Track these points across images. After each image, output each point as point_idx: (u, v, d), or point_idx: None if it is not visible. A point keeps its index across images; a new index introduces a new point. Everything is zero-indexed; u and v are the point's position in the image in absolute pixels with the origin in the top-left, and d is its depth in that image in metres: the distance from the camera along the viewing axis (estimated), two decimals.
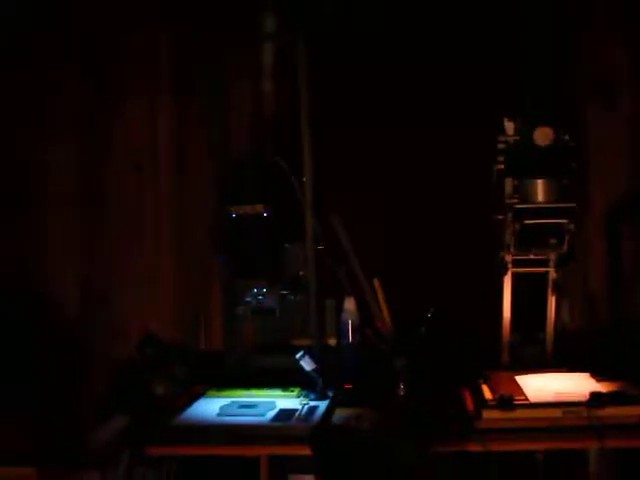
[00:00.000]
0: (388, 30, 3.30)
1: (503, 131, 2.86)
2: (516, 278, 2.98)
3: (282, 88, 3.36)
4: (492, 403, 2.65)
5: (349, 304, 3.15)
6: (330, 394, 2.95)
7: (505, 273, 2.96)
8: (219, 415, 2.79)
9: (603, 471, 2.69)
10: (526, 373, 2.88)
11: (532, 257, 2.93)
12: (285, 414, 2.78)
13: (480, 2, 3.26)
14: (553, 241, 2.83)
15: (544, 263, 2.97)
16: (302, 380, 2.98)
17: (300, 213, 3.16)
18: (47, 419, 2.97)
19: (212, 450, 2.65)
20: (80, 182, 3.48)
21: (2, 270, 3.45)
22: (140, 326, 3.34)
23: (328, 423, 2.70)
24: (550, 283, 2.99)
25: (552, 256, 2.94)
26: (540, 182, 2.82)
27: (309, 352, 2.98)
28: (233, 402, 2.91)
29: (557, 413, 2.60)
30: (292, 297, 3.19)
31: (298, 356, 2.95)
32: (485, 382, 2.85)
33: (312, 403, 2.88)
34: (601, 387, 2.73)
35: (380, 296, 3.11)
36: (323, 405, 2.86)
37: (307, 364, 2.95)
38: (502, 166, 2.86)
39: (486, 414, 2.62)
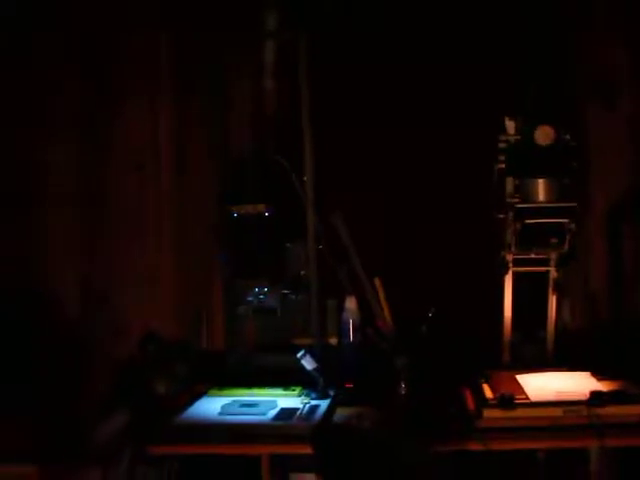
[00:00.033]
0: (388, 30, 3.31)
1: (504, 130, 2.86)
2: (517, 277, 2.98)
3: (283, 87, 3.36)
4: (493, 402, 2.65)
5: (350, 303, 3.15)
6: (331, 393, 2.95)
7: (506, 272, 2.96)
8: (220, 414, 2.80)
9: (604, 470, 2.69)
10: (527, 372, 2.88)
11: (533, 256, 2.93)
12: (286, 413, 2.78)
13: (480, 2, 3.26)
14: (554, 240, 2.84)
15: (545, 262, 2.97)
16: (303, 379, 2.99)
17: (301, 212, 3.17)
18: (47, 419, 2.97)
19: (213, 449, 2.65)
20: (80, 182, 3.48)
21: (2, 270, 3.45)
22: (141, 325, 3.34)
23: (329, 422, 2.70)
24: (551, 282, 2.99)
25: (553, 255, 2.94)
26: (541, 181, 2.83)
27: (310, 351, 2.98)
28: (234, 401, 2.91)
29: (558, 412, 2.60)
30: (293, 296, 3.20)
31: (299, 355, 2.95)
32: (486, 381, 2.84)
33: (313, 402, 2.89)
34: (602, 386, 2.73)
35: (381, 295, 3.11)
36: (324, 404, 2.86)
37: (308, 363, 2.95)
38: (503, 165, 2.87)
39: (487, 413, 2.62)
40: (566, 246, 2.84)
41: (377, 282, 3.13)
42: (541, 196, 2.83)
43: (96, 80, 3.47)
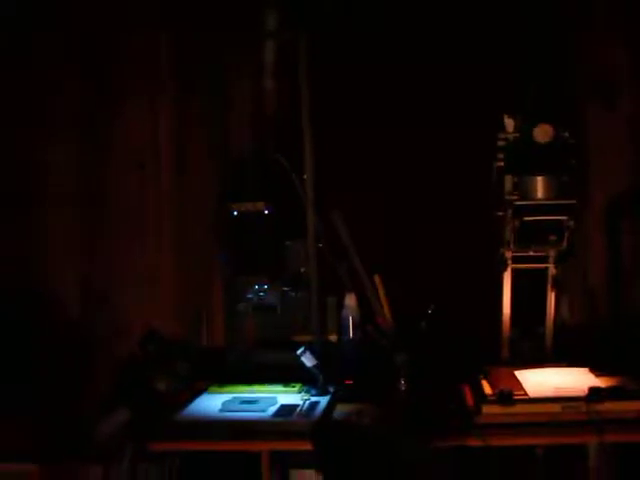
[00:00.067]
0: (388, 30, 3.31)
1: (503, 128, 2.87)
2: (516, 274, 2.99)
3: (283, 87, 3.37)
4: (492, 398, 2.66)
5: (350, 300, 3.16)
6: (331, 390, 2.96)
7: (505, 269, 2.96)
8: (221, 411, 2.81)
9: (602, 466, 2.69)
10: (526, 368, 2.88)
11: (532, 254, 2.93)
12: (286, 410, 2.78)
13: (480, 2, 3.27)
14: (553, 238, 2.84)
15: (544, 259, 2.97)
16: (303, 376, 3.00)
17: (301, 210, 3.17)
18: (47, 419, 2.97)
19: (214, 445, 2.66)
20: (80, 182, 3.49)
21: (2, 270, 3.46)
22: (142, 324, 3.34)
23: (329, 418, 2.71)
24: (550, 279, 2.99)
25: (552, 252, 2.94)
26: (540, 179, 2.83)
27: (310, 348, 2.99)
28: (235, 398, 2.93)
29: (556, 408, 2.60)
30: (293, 294, 3.21)
31: (299, 352, 2.96)
32: (485, 377, 2.85)
33: (313, 399, 2.89)
34: (600, 382, 2.74)
35: (381, 292, 3.12)
36: (324, 401, 2.87)
37: (308, 360, 2.96)
38: (502, 163, 2.87)
39: (486, 409, 2.63)
40: (565, 243, 2.84)
41: (377, 279, 3.14)
42: (540, 193, 2.83)
43: (96, 80, 3.48)
